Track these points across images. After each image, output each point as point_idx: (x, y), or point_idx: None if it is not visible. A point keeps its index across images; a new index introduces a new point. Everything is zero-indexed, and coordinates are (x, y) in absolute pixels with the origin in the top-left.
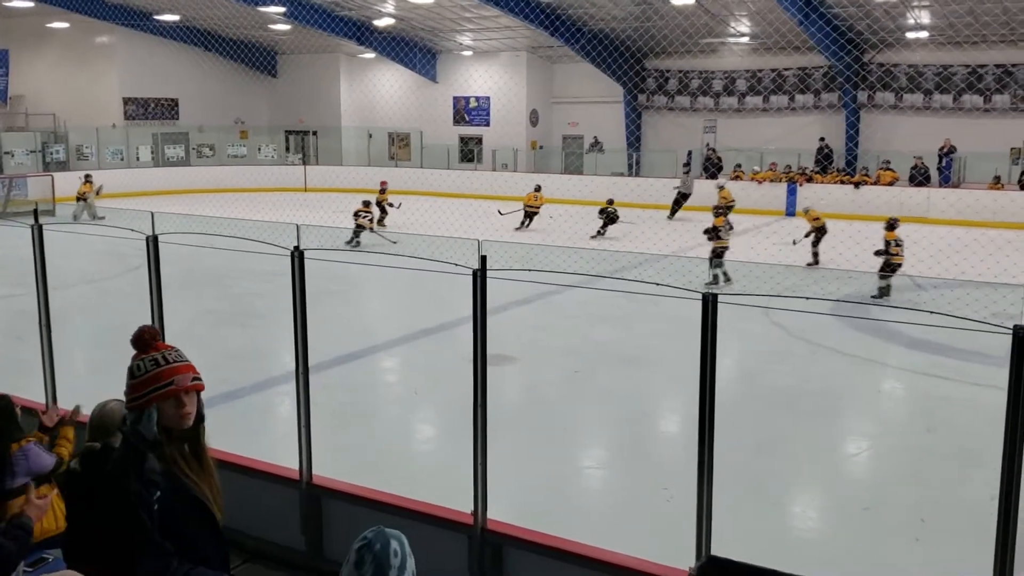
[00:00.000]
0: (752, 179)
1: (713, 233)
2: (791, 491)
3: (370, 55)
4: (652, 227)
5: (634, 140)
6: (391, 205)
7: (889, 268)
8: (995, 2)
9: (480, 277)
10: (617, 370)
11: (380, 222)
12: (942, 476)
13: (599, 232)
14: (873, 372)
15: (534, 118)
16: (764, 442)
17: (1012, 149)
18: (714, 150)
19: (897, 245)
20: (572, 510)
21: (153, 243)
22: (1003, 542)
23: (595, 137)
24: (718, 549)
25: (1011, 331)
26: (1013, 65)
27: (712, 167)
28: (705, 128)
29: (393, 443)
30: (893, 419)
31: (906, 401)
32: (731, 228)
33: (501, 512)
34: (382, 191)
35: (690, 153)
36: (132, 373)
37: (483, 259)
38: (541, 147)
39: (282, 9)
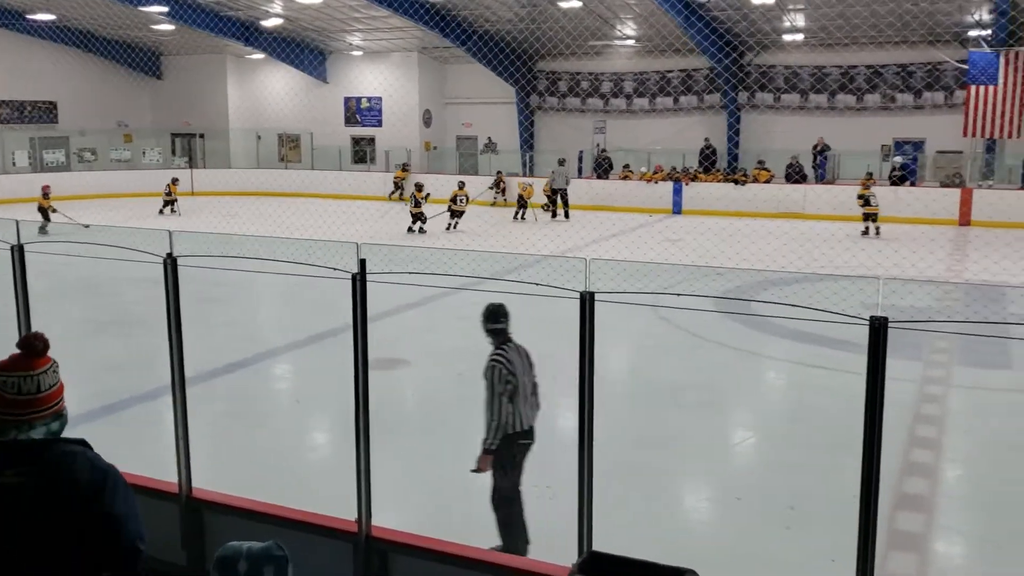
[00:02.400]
0: (642, 179)
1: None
2: (675, 484)
3: (258, 56)
4: (542, 227)
5: (527, 140)
6: (55, 211)
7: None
8: (864, 6)
9: (360, 281)
10: None
11: (43, 229)
12: (815, 465)
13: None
14: (754, 364)
15: (427, 118)
16: (649, 436)
17: (882, 146)
18: (604, 150)
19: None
20: (463, 513)
21: (18, 253)
22: (865, 527)
23: (489, 138)
24: (603, 544)
25: (867, 322)
26: (882, 66)
27: (602, 167)
28: (595, 129)
29: (280, 452)
30: (772, 409)
31: (784, 391)
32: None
33: (392, 518)
34: (45, 196)
35: (581, 152)
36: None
37: (362, 263)
38: (435, 148)
39: (164, 9)
